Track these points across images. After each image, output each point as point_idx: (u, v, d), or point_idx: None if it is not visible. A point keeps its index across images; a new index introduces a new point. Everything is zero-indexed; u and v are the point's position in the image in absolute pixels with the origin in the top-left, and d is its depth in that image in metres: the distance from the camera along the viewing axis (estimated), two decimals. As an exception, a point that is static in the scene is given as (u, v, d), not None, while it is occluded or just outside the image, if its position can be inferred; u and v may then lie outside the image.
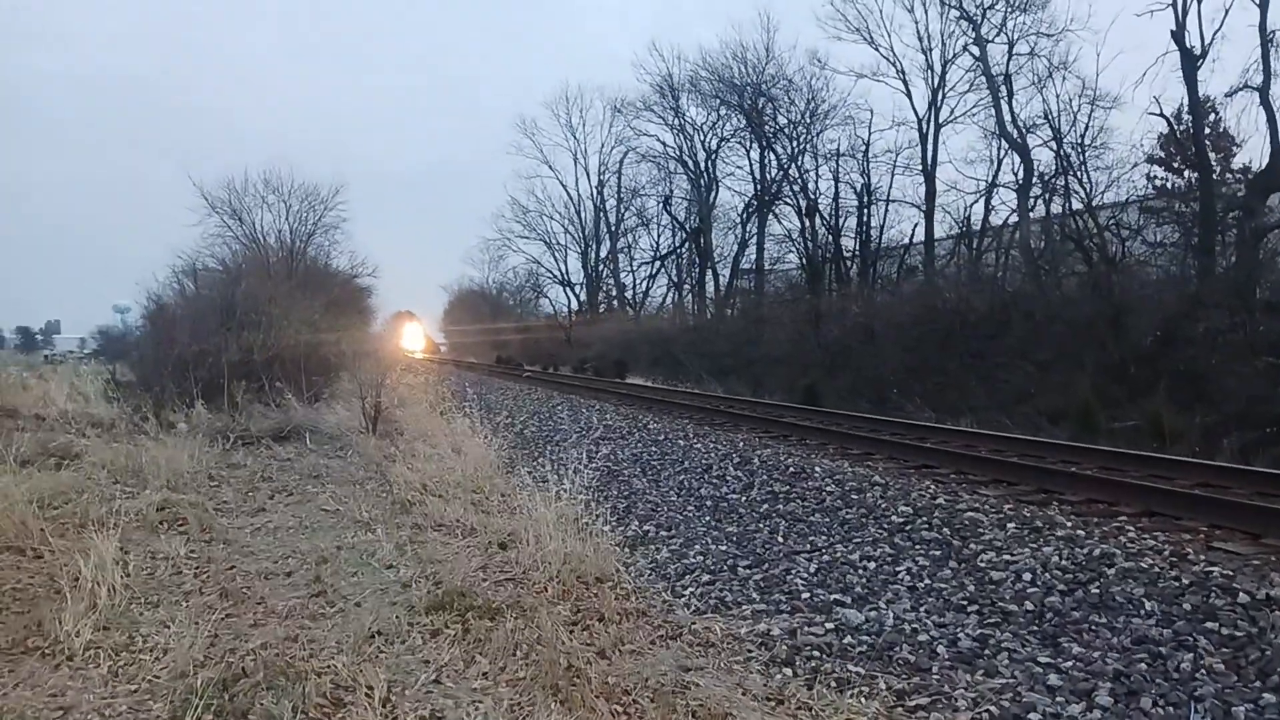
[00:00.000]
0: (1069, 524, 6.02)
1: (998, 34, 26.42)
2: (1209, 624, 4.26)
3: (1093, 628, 4.45)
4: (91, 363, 31.72)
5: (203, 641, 4.32)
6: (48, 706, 3.76)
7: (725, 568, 6.10)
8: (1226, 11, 18.86)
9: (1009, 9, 26.27)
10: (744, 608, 5.25)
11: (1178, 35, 19.25)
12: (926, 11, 28.37)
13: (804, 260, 33.05)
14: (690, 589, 5.69)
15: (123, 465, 8.93)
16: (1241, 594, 4.47)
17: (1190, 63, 19.24)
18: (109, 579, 5.09)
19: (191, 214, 45.56)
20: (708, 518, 7.58)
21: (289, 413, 13.25)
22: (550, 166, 51.94)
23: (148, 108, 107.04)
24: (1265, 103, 18.20)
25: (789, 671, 4.24)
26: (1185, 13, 19.20)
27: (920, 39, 28.64)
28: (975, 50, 26.85)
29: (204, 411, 12.69)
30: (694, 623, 4.88)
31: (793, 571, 5.85)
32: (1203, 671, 3.89)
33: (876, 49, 29.66)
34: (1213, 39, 19.13)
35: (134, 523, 6.86)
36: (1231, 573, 4.79)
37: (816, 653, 4.45)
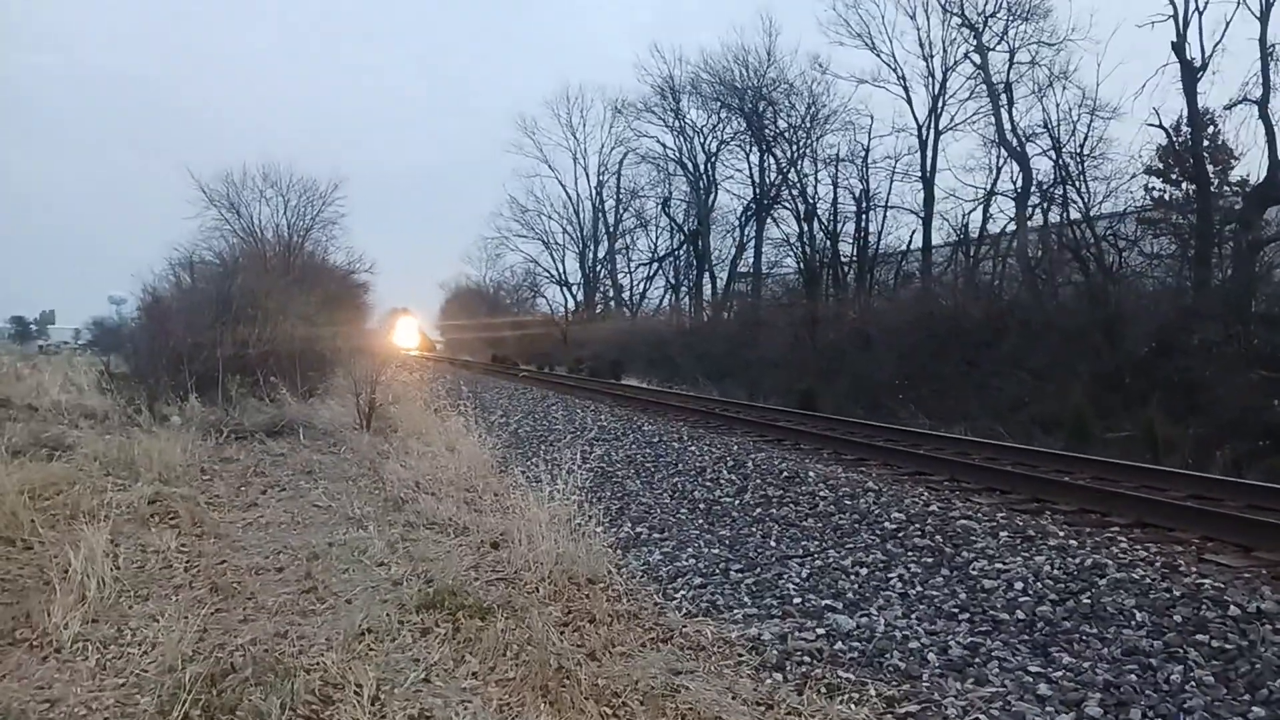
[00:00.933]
0: (1061, 533, 6.03)
1: (999, 42, 26.53)
2: (1199, 636, 4.27)
3: (1083, 638, 4.45)
4: (86, 354, 31.68)
5: (192, 636, 4.30)
6: (35, 699, 3.75)
7: (717, 571, 6.09)
8: (1227, 24, 18.94)
9: (1010, 17, 26.37)
10: (735, 611, 5.24)
11: (1178, 47, 19.32)
12: (928, 18, 28.47)
13: (802, 265, 33.09)
14: (682, 592, 5.68)
15: (115, 457, 8.89)
16: (1232, 607, 4.47)
17: (1190, 75, 19.29)
18: (99, 571, 5.07)
19: (189, 207, 45.42)
20: (701, 520, 7.57)
21: (283, 408, 13.22)
22: (550, 166, 51.93)
23: (146, 106, 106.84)
24: (1264, 116, 18.26)
25: (779, 676, 4.24)
26: (1186, 24, 19.28)
27: (921, 46, 28.75)
28: (976, 58, 26.94)
29: (198, 405, 12.66)
30: (685, 626, 4.87)
31: (785, 576, 5.85)
32: (1192, 684, 3.89)
33: (878, 55, 29.77)
34: (1213, 51, 19.22)
35: (125, 515, 6.84)
36: (1223, 585, 4.79)
37: (807, 658, 4.45)
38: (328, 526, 7.03)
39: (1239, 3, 18.63)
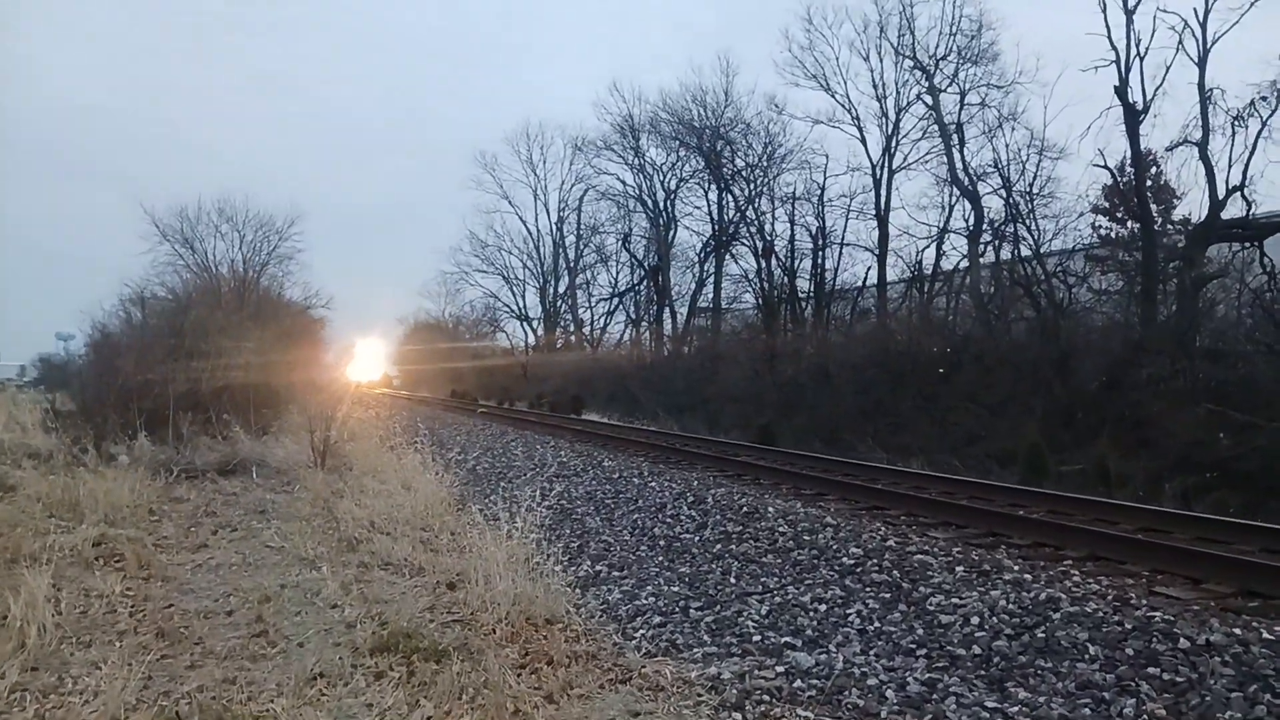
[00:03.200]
0: (1016, 567, 6.08)
1: (950, 84, 27.25)
2: (1151, 669, 4.31)
3: (1039, 672, 4.48)
4: (31, 391, 30.91)
5: (136, 684, 4.18)
6: (-32, 753, 3.61)
7: (677, 609, 6.06)
8: (1167, 69, 19.61)
9: (960, 60, 27.13)
10: (695, 650, 5.21)
11: (1121, 91, 19.92)
12: (881, 61, 29.13)
13: (760, 300, 33.36)
14: (641, 631, 5.64)
15: (59, 498, 8.67)
16: (1182, 639, 4.53)
17: (1133, 118, 19.90)
18: (39, 617, 4.93)
19: (142, 242, 44.90)
20: (660, 558, 7.54)
21: (236, 445, 12.99)
22: (510, 202, 52.13)
23: (99, 137, 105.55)
24: (1204, 157, 18.88)
25: (739, 716, 4.21)
26: (1128, 69, 19.91)
27: (875, 87, 29.38)
28: (928, 99, 27.61)
29: (147, 443, 12.39)
30: (644, 666, 4.83)
31: (744, 613, 5.83)
32: (1145, 717, 3.93)
33: (833, 96, 30.38)
34: (1154, 95, 19.85)
35: (68, 558, 6.66)
36: (1173, 618, 4.86)
37: (767, 697, 4.43)
38: (280, 567, 6.89)
39: (1178, 49, 19.34)
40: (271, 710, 3.88)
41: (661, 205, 42.51)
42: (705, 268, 39.92)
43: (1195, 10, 19.14)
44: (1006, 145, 24.88)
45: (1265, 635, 4.47)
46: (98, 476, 9.45)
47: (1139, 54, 19.85)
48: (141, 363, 14.21)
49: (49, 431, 14.08)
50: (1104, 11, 20.07)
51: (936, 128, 27.29)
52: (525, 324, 54.58)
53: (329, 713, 3.92)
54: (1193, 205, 20.60)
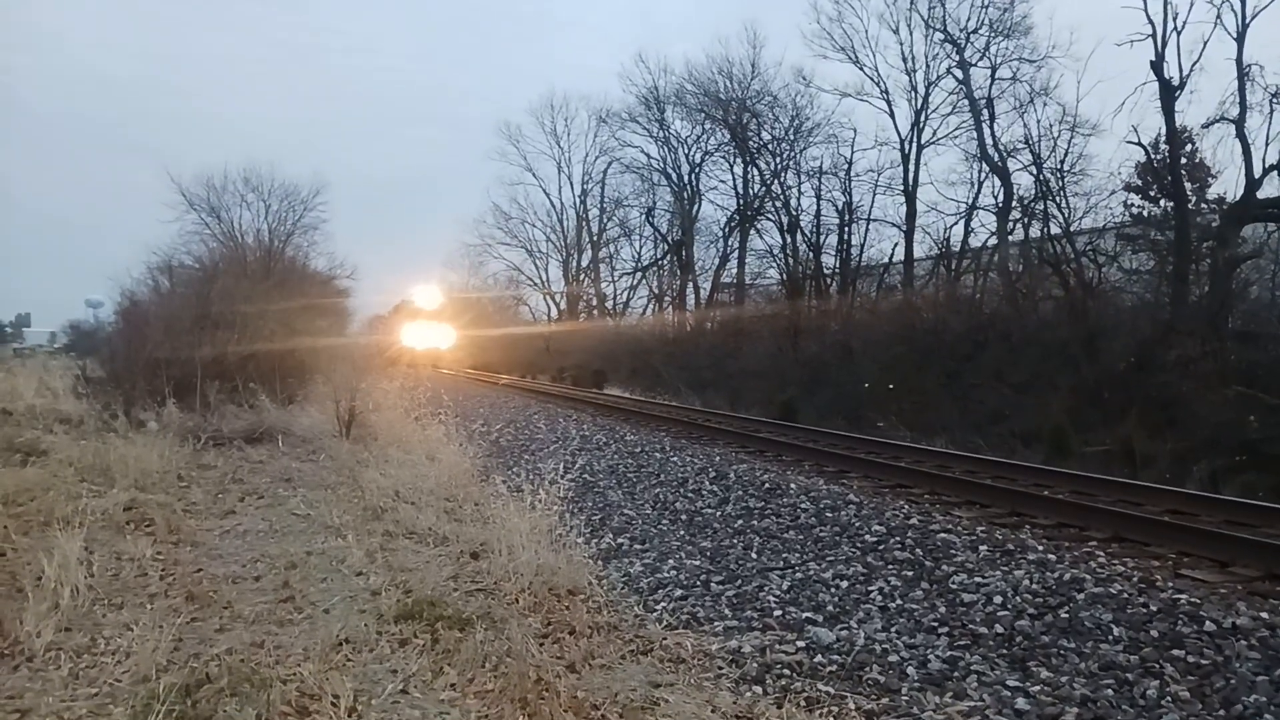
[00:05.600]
0: (1040, 547, 6.06)
1: (981, 58, 26.76)
2: (1176, 651, 4.29)
3: (1061, 652, 4.47)
4: (61, 357, 31.34)
5: (166, 645, 4.25)
6: (4, 709, 3.69)
7: (698, 583, 6.09)
8: (1205, 44, 19.17)
9: (992, 34, 26.62)
10: (716, 624, 5.24)
11: (1157, 66, 19.53)
12: (911, 34, 28.63)
13: (784, 276, 33.19)
14: (663, 604, 5.67)
15: (90, 463, 8.80)
16: (1208, 622, 4.51)
17: (1168, 93, 19.52)
18: (72, 579, 5.01)
19: (169, 210, 45.18)
20: (682, 532, 7.57)
21: (262, 414, 13.12)
22: (533, 174, 51.87)
23: (127, 107, 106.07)
24: (1241, 135, 18.51)
25: (759, 689, 4.23)
26: (1164, 44, 19.50)
27: (904, 60, 28.89)
28: (958, 73, 27.16)
29: (175, 410, 12.54)
30: (665, 638, 4.86)
31: (765, 588, 5.85)
32: (1169, 699, 3.92)
33: (861, 69, 29.90)
34: (1191, 71, 19.44)
35: (100, 522, 6.76)
36: (1198, 600, 4.82)
37: (787, 671, 4.45)
38: (306, 535, 6.98)
39: (1215, 23, 18.91)
40: (298, 674, 3.93)
41: (686, 178, 42.22)
42: (729, 242, 39.64)
43: (1235, -17, 18.72)
44: (1038, 121, 24.48)
45: (1293, 620, 4.43)
46: (128, 442, 9.57)
47: (1176, 28, 19.43)
48: (169, 331, 14.35)
49: (79, 397, 14.28)
50: (1141, -16, 19.66)
51: (966, 102, 26.89)
52: (548, 297, 54.61)
53: (354, 677, 3.98)
54: (1228, 184, 20.17)
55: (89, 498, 7.36)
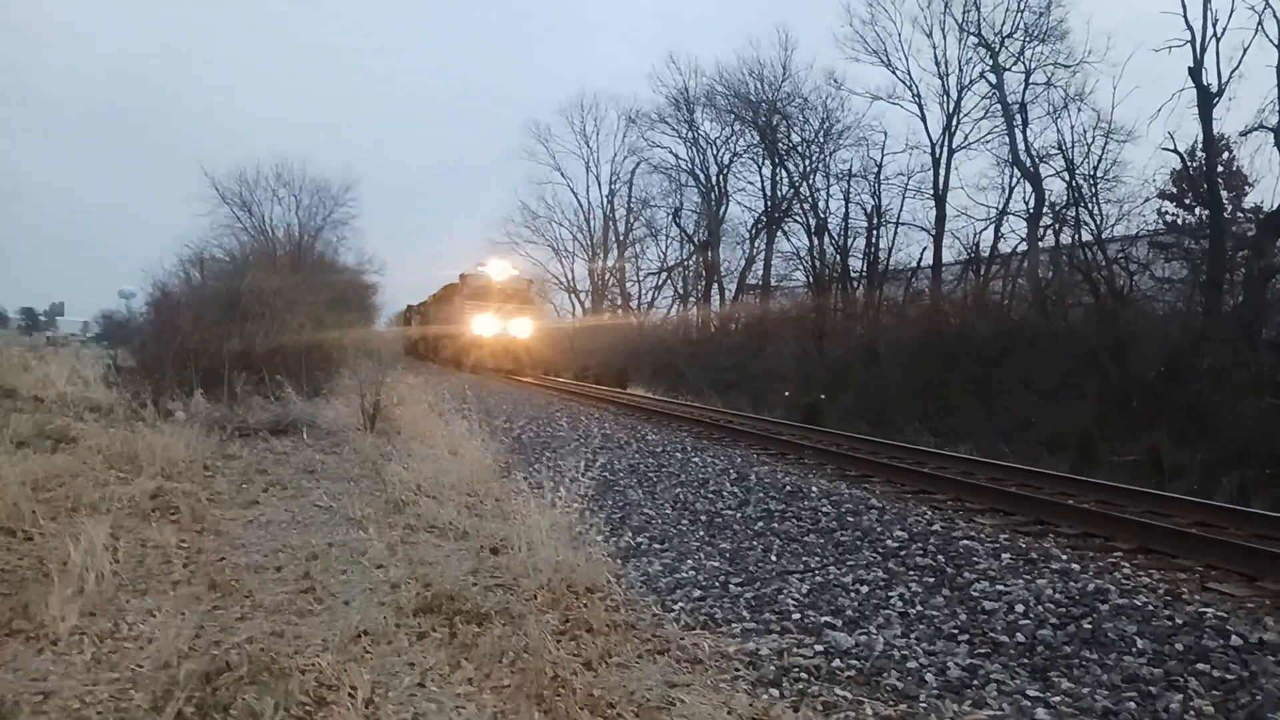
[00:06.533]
0: (1064, 557, 5.99)
1: (1015, 63, 26.61)
2: (1200, 665, 4.23)
3: (1083, 663, 4.42)
4: (93, 346, 31.79)
5: (188, 633, 4.29)
6: (29, 690, 3.74)
7: (717, 584, 6.06)
8: (1245, 50, 18.97)
9: (1027, 38, 26.46)
10: (733, 625, 5.21)
11: (1195, 72, 19.32)
12: (945, 37, 28.54)
13: (811, 278, 33.06)
14: (680, 604, 5.65)
15: (118, 451, 8.90)
16: (1235, 636, 4.44)
17: (1206, 100, 19.29)
18: (98, 565, 5.06)
19: (201, 204, 45.81)
20: (701, 532, 7.54)
21: (287, 406, 13.22)
22: (561, 173, 52.04)
23: (160, 103, 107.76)
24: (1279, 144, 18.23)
25: (775, 692, 4.21)
26: (1203, 50, 19.31)
27: (937, 64, 28.81)
28: (992, 78, 27.00)
29: (202, 401, 12.66)
30: (682, 638, 4.84)
31: (784, 591, 5.82)
32: (1191, 713, 3.86)
33: (893, 72, 29.93)
34: (1229, 77, 19.25)
35: (126, 509, 6.83)
36: (1225, 615, 4.75)
37: (804, 675, 4.42)
38: (328, 527, 7.01)
39: (1257, 29, 18.67)
40: (317, 664, 3.96)
41: (714, 180, 42.24)
42: (756, 244, 39.62)
43: (1278, -10, 18.44)
44: (1071, 126, 24.35)
45: (1322, 636, 4.35)
46: (155, 431, 9.68)
47: (1215, 34, 19.25)
48: (199, 322, 14.51)
49: (110, 386, 14.47)
50: (1180, -11, 19.43)
51: (999, 107, 26.78)
52: (573, 296, 54.71)
53: (373, 669, 3.99)
54: (1265, 193, 20.03)
55: (116, 485, 7.44)
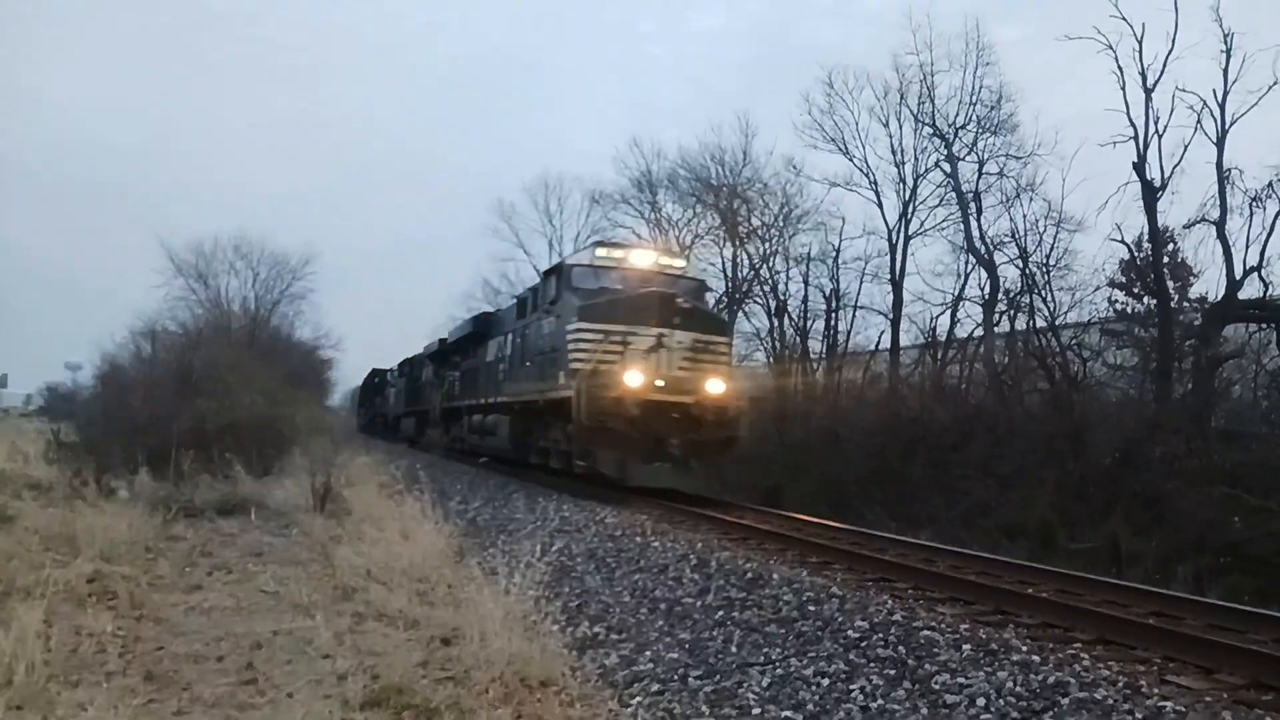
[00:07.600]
0: (1024, 648, 5.93)
1: (968, 153, 27.37)
2: (1164, 764, 4.17)
3: (1047, 762, 4.33)
4: (36, 420, 30.99)
5: (119, 730, 4.08)
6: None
7: (676, 677, 5.92)
8: (1185, 148, 19.72)
9: (980, 130, 27.28)
10: (692, 721, 5.07)
11: (1139, 167, 20.02)
12: (901, 127, 29.31)
13: (771, 359, 33.30)
14: (638, 698, 5.50)
15: (57, 532, 8.61)
16: (1197, 733, 4.39)
17: (1150, 194, 19.97)
18: (29, 654, 4.83)
19: (156, 275, 45.31)
20: (660, 622, 7.39)
21: (237, 485, 12.93)
22: (525, 250, 52.19)
23: (118, 173, 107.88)
24: (1222, 236, 18.93)
25: (735, 794, 4.07)
26: (1146, 146, 20.04)
27: (894, 153, 29.51)
28: (946, 167, 27.73)
29: (148, 479, 12.33)
30: (639, 735, 4.69)
31: (745, 684, 5.69)
32: (1158, 816, 3.78)
33: (851, 159, 30.53)
34: (1172, 173, 19.94)
35: (61, 594, 6.56)
36: (1184, 709, 4.71)
37: (764, 774, 4.28)
38: (274, 613, 6.79)
39: (1196, 128, 19.48)
40: (254, 765, 3.77)
41: (676, 261, 42.63)
42: (717, 324, 39.85)
43: (1214, 91, 19.37)
44: (1024, 215, 24.93)
45: (1283, 734, 4.32)
46: (96, 511, 9.39)
47: (1157, 132, 20.02)
48: (150, 397, 14.22)
49: (51, 463, 14.05)
50: (1123, 89, 20.32)
51: (954, 195, 27.39)
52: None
53: (313, 771, 3.81)
54: (1210, 284, 20.54)
55: (52, 568, 7.14)
